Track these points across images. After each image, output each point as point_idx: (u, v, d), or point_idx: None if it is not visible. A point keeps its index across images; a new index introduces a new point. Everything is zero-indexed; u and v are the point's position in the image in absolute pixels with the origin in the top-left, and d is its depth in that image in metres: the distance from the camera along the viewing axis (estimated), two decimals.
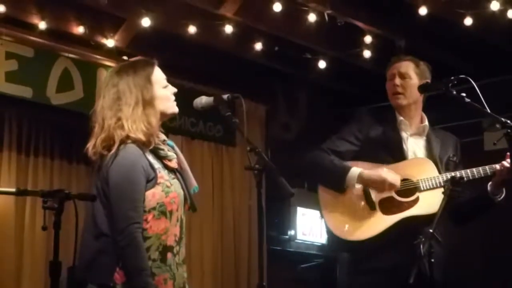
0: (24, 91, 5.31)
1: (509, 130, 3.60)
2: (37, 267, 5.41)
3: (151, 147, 3.29)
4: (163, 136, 3.42)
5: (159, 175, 3.27)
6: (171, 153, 3.41)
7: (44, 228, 3.07)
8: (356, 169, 3.96)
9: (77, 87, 5.55)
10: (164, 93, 3.42)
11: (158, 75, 3.46)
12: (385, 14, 5.44)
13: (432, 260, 3.58)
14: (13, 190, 3.64)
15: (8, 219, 5.48)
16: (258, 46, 5.71)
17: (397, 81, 4.06)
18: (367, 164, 4.02)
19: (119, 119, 3.26)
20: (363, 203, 3.99)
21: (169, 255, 3.35)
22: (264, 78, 6.16)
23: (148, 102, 3.32)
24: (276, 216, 6.25)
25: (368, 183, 3.95)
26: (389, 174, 3.92)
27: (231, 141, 6.22)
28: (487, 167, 3.92)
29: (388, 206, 3.95)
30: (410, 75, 4.08)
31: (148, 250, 3.25)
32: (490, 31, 5.37)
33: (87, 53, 5.58)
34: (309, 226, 6.23)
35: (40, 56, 5.40)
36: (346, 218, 4.01)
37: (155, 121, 3.32)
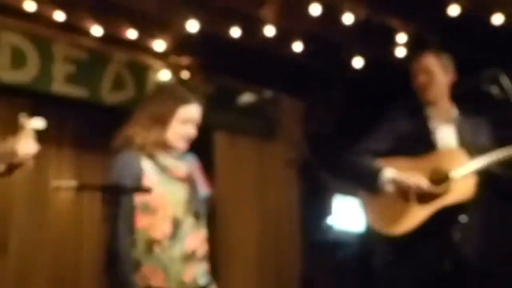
0: (80, 92, 5.37)
1: None
2: (96, 260, 5.34)
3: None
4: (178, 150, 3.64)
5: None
6: (173, 164, 3.59)
7: None
8: (389, 172, 3.92)
9: (129, 87, 5.61)
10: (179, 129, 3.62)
11: (185, 112, 3.66)
12: (418, 13, 5.38)
13: (468, 247, 3.64)
14: (74, 185, 3.75)
15: (68, 212, 5.54)
16: (296, 46, 5.68)
17: (422, 77, 4.04)
18: (401, 160, 3.99)
19: None
20: (398, 197, 3.93)
21: (156, 248, 3.47)
22: (302, 76, 6.14)
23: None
24: (315, 206, 6.22)
25: (400, 186, 3.89)
26: (418, 178, 3.87)
27: (272, 135, 6.14)
28: None
29: (423, 198, 3.88)
30: (434, 69, 4.05)
31: (137, 241, 3.42)
32: None
33: (138, 55, 5.64)
34: (347, 215, 6.22)
35: (95, 59, 5.46)
36: (384, 212, 3.97)
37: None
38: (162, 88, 3.86)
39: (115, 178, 3.51)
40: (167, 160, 3.61)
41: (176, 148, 3.63)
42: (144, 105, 3.76)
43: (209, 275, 3.79)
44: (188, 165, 3.69)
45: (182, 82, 5.80)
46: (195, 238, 3.59)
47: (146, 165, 3.53)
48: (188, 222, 3.58)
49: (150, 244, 3.48)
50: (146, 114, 3.65)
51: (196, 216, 3.62)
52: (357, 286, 6.38)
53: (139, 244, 3.47)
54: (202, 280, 3.63)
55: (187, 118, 3.64)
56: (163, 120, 3.60)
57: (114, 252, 3.43)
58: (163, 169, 3.57)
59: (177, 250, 3.49)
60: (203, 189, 3.70)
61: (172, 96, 3.71)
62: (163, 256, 3.48)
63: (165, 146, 3.61)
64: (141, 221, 3.45)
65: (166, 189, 3.56)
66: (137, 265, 3.47)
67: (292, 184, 6.20)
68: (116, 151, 3.62)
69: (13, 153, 2.88)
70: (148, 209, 3.43)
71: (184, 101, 3.66)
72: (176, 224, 3.48)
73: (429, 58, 4.07)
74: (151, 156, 3.56)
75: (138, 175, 3.48)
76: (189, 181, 3.66)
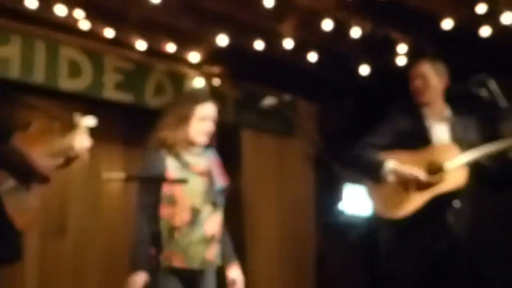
0: (127, 97, 5.44)
1: None
2: None
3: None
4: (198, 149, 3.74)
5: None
6: (194, 160, 3.69)
7: None
8: (391, 163, 3.92)
9: (168, 93, 5.62)
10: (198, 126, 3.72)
11: (201, 110, 3.74)
12: (416, 27, 5.35)
13: (460, 228, 3.66)
14: (122, 176, 3.83)
15: (117, 200, 5.56)
16: (311, 56, 5.68)
17: (418, 82, 4.05)
18: (401, 154, 3.99)
19: None
20: (399, 185, 3.94)
21: (176, 234, 3.57)
22: (316, 82, 6.13)
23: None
24: (329, 194, 6.22)
25: (400, 177, 3.90)
26: (415, 170, 3.87)
27: (290, 133, 6.13)
28: (506, 140, 3.81)
29: (421, 186, 3.89)
30: (428, 75, 4.05)
31: (161, 228, 3.49)
32: (505, 40, 5.26)
33: (176, 65, 5.67)
34: (356, 201, 6.20)
35: (139, 69, 5.50)
36: (386, 198, 3.98)
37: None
38: (180, 94, 3.98)
39: (143, 172, 3.65)
40: (189, 157, 3.69)
41: (198, 143, 3.70)
42: (168, 111, 3.83)
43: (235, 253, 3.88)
44: (207, 160, 3.76)
45: (213, 88, 5.79)
46: (213, 224, 3.66)
47: (170, 162, 3.63)
48: (206, 210, 3.65)
49: (172, 231, 3.57)
50: (171, 118, 3.74)
51: (214, 205, 3.70)
52: (364, 262, 6.39)
53: (163, 231, 3.52)
54: (219, 259, 3.74)
55: (204, 116, 3.72)
56: (185, 120, 3.69)
57: (137, 236, 3.55)
58: (185, 165, 3.65)
59: (197, 234, 3.58)
60: (220, 182, 3.77)
61: (189, 99, 3.82)
62: (182, 240, 3.56)
63: (189, 143, 3.69)
64: (164, 211, 3.54)
65: (189, 183, 3.60)
66: (161, 248, 3.49)
67: (308, 174, 6.20)
68: (147, 150, 3.74)
69: (70, 148, 2.97)
70: (171, 201, 3.53)
71: (199, 101, 3.75)
72: (195, 213, 3.56)
73: (424, 65, 4.08)
74: (176, 155, 3.65)
75: (162, 171, 3.58)
76: (207, 174, 3.72)
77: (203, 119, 3.71)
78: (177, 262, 3.56)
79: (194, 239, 3.58)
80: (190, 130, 3.69)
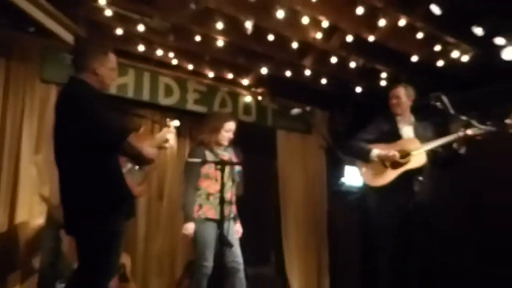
0: (202, 109, 5.39)
1: (464, 123, 3.71)
2: None
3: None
4: (224, 145, 3.95)
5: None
6: (222, 153, 3.89)
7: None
8: (375, 150, 3.89)
9: (229, 105, 5.62)
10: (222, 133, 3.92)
11: (227, 126, 3.95)
12: (394, 60, 5.26)
13: (423, 194, 3.63)
14: (198, 160, 3.87)
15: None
16: (323, 80, 5.66)
17: (394, 101, 4.02)
18: (382, 145, 3.96)
19: None
20: (380, 165, 3.92)
21: (210, 197, 3.80)
22: (327, 97, 6.07)
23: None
24: (335, 171, 6.16)
25: (381, 159, 3.88)
26: (391, 152, 3.84)
27: (310, 132, 6.11)
28: (452, 135, 3.81)
29: (395, 165, 3.88)
30: (401, 96, 4.01)
31: (201, 194, 3.77)
32: (453, 69, 5.18)
33: (233, 87, 5.65)
34: (353, 176, 6.10)
35: (210, 90, 5.49)
36: (372, 173, 3.96)
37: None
38: (215, 112, 4.26)
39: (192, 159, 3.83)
40: (218, 150, 3.90)
41: (223, 144, 3.94)
42: (208, 121, 4.03)
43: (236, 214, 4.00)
44: (230, 153, 3.96)
45: (258, 102, 5.76)
46: (231, 193, 3.80)
47: (207, 153, 3.85)
48: (229, 184, 3.79)
49: (207, 195, 3.81)
50: (209, 127, 3.95)
51: (233, 181, 3.85)
52: (358, 216, 6.23)
53: (202, 195, 3.82)
54: (232, 215, 3.87)
55: (228, 129, 3.94)
56: (217, 130, 3.92)
57: (187, 199, 3.80)
58: (216, 155, 3.84)
59: (225, 199, 3.66)
60: (237, 167, 3.93)
61: (221, 117, 4.05)
62: (214, 201, 3.72)
63: (218, 144, 3.91)
64: (203, 183, 3.81)
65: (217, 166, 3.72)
66: (201, 206, 3.80)
67: (322, 159, 6.13)
68: (194, 146, 4.02)
69: (165, 140, 2.97)
70: (207, 177, 3.76)
71: (227, 119, 3.96)
72: (223, 185, 3.59)
73: (399, 89, 4.05)
74: (211, 150, 3.86)
75: (203, 158, 3.78)
76: (230, 161, 3.88)
77: (227, 131, 3.95)
78: (211, 215, 3.77)
79: (221, 202, 3.64)
80: (219, 137, 3.91)
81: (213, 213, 3.75)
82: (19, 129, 4.21)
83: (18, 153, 4.18)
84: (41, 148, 4.28)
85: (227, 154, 3.95)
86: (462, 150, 3.80)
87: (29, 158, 4.21)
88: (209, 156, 3.86)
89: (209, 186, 3.84)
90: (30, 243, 4.10)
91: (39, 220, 4.18)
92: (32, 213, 4.17)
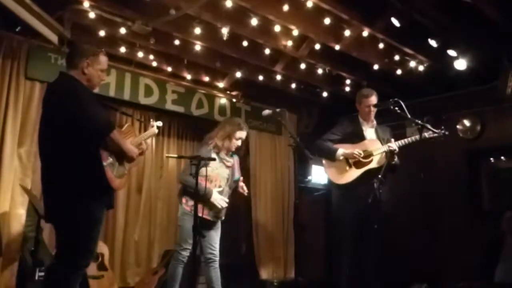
0: (180, 109, 5.36)
1: (419, 126, 3.69)
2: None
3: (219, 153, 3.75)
4: (230, 153, 3.83)
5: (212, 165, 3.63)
6: (227, 159, 3.79)
7: None
8: (341, 150, 3.92)
9: (205, 106, 5.56)
10: (230, 142, 3.79)
11: (238, 134, 3.81)
12: (357, 68, 5.30)
13: (380, 191, 3.63)
14: (176, 156, 3.84)
15: (173, 170, 5.46)
16: (293, 85, 5.66)
17: (372, 109, 3.99)
18: (347, 145, 3.99)
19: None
20: (344, 164, 3.95)
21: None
22: (296, 101, 6.06)
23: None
24: (302, 170, 6.15)
25: (347, 157, 3.92)
26: (356, 151, 3.88)
27: (279, 133, 6.13)
28: (409, 138, 3.87)
29: (358, 165, 3.92)
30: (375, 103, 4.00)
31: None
32: (409, 77, 5.25)
33: (210, 90, 5.59)
34: (319, 174, 6.11)
35: (188, 91, 5.43)
36: (336, 171, 3.98)
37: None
38: (230, 119, 4.08)
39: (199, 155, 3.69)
40: (224, 156, 3.79)
41: (231, 150, 3.83)
42: (221, 126, 3.87)
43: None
44: (233, 160, 3.87)
45: (232, 104, 5.73)
46: (227, 198, 3.75)
47: (214, 156, 3.71)
48: (226, 189, 3.76)
49: (210, 192, 3.68)
50: (222, 132, 3.81)
51: (230, 187, 3.81)
52: (323, 210, 6.32)
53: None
54: (223, 218, 3.81)
55: (240, 137, 3.82)
56: (229, 137, 3.78)
57: (190, 182, 3.56)
58: (221, 160, 3.76)
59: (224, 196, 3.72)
60: (237, 174, 3.87)
61: (236, 124, 3.86)
62: (209, 202, 3.69)
63: (227, 150, 3.80)
64: (202, 183, 3.55)
65: (219, 171, 3.72)
66: (187, 200, 3.71)
67: (290, 157, 6.09)
68: (202, 145, 3.84)
69: (153, 135, 2.97)
70: (209, 179, 3.60)
71: (240, 128, 3.82)
72: (222, 190, 3.67)
73: (375, 97, 4.03)
74: (217, 153, 3.75)
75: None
76: (231, 168, 3.83)
77: (238, 139, 3.83)
78: (204, 214, 3.65)
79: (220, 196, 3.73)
80: (230, 144, 3.80)
81: (206, 213, 3.67)
82: (3, 123, 4.11)
83: (2, 145, 4.10)
84: (24, 142, 4.19)
85: (231, 161, 3.87)
86: (395, 161, 3.88)
87: (12, 151, 4.12)
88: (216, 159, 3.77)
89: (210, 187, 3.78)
90: (11, 233, 4.01)
91: (21, 210, 4.09)
92: (14, 204, 4.09)
